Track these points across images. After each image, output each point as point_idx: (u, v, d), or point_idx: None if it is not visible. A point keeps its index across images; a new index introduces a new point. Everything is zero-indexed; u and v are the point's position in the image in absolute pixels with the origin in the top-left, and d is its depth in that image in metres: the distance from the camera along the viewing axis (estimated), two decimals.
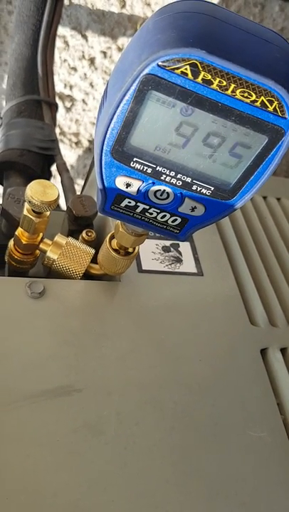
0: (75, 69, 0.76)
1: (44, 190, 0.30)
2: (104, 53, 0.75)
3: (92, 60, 0.75)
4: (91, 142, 0.85)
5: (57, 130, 0.52)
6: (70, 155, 0.86)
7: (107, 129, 0.22)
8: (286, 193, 0.52)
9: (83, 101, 0.79)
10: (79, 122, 0.82)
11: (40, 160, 0.47)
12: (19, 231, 0.33)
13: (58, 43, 0.72)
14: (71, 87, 0.78)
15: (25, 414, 0.27)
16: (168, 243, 0.40)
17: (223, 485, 0.29)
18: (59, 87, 0.77)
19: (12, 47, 0.53)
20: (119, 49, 0.74)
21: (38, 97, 0.49)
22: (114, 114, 0.21)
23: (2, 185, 0.47)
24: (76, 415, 0.28)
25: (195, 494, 0.28)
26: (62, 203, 0.58)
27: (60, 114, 0.80)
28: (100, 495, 0.26)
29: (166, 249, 0.39)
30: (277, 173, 0.87)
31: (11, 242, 0.34)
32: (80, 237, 0.37)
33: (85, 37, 0.73)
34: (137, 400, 0.30)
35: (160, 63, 0.19)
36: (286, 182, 0.55)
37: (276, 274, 0.43)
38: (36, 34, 0.53)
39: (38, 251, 0.35)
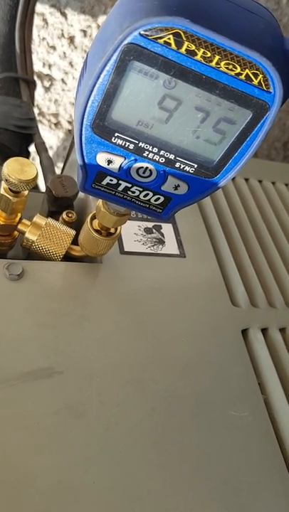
0: (54, 48, 0.74)
1: (22, 168, 0.29)
2: (84, 32, 0.73)
3: (71, 39, 0.73)
4: (71, 123, 0.83)
5: (35, 111, 0.51)
6: (49, 136, 0.84)
7: (87, 102, 0.21)
8: (268, 175, 0.52)
9: (62, 80, 0.77)
10: (58, 103, 0.80)
11: (17, 139, 0.45)
12: None
13: (37, 21, 0.70)
14: (50, 66, 0.76)
15: (4, 397, 0.26)
16: (150, 225, 0.39)
17: (205, 464, 0.29)
18: (37, 66, 0.75)
19: None
20: (100, 27, 0.73)
21: (15, 75, 0.48)
22: (94, 85, 0.20)
23: None
24: (57, 397, 0.28)
25: (177, 473, 0.28)
26: (42, 185, 0.57)
27: (39, 94, 0.78)
28: (81, 477, 0.26)
29: (148, 230, 0.39)
30: (258, 157, 0.87)
31: None
32: (60, 219, 0.36)
33: (64, 15, 0.70)
34: (119, 381, 0.30)
35: (142, 32, 0.18)
36: (268, 164, 0.54)
37: (257, 255, 0.43)
38: (14, 10, 0.51)
39: (16, 232, 0.34)
